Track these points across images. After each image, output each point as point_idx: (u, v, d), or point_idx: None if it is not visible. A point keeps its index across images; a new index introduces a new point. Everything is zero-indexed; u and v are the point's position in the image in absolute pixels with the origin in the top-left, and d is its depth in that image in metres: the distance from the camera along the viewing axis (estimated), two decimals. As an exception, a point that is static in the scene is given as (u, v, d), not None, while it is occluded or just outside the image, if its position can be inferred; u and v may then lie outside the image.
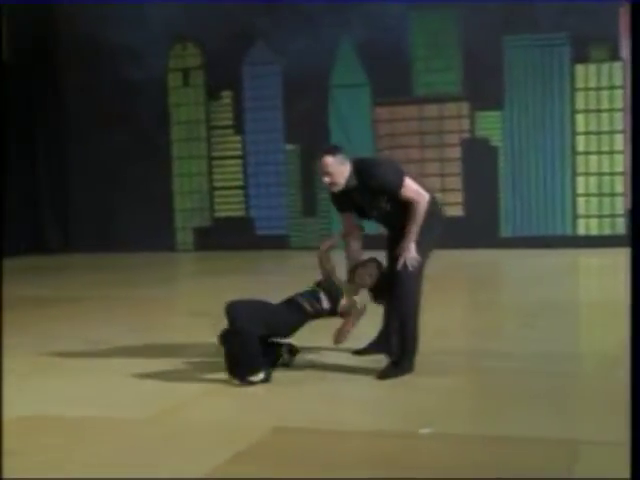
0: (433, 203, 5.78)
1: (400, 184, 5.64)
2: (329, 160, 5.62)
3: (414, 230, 5.63)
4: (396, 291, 5.66)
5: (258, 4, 15.13)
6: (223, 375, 5.68)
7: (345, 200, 5.83)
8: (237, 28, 15.24)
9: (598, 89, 13.87)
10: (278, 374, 5.77)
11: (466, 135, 14.47)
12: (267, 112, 15.61)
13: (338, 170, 5.61)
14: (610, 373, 5.64)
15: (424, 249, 5.69)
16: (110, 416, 4.95)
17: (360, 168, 5.71)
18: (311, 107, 15.07)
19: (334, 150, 5.72)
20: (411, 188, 5.65)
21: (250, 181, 15.85)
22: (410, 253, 5.61)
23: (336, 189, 5.71)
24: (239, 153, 15.89)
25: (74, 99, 16.40)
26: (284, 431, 4.57)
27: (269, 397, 5.33)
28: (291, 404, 5.22)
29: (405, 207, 5.65)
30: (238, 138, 15.86)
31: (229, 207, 16.07)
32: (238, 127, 15.82)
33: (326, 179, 5.66)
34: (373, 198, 5.71)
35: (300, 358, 6.06)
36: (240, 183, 15.95)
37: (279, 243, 15.52)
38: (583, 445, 4.17)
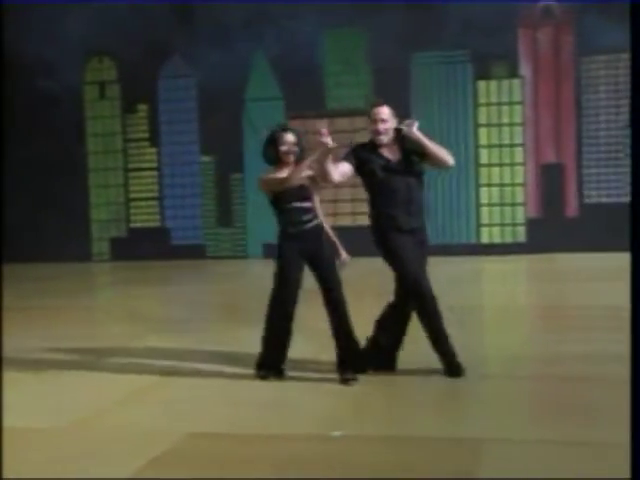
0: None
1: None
2: (387, 110, 5.69)
3: None
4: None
5: (173, 18, 15.38)
6: (140, 383, 5.80)
7: (367, 158, 5.72)
8: (153, 42, 15.44)
9: (499, 104, 14.52)
10: (198, 380, 5.89)
11: (376, 147, 14.90)
12: (182, 124, 15.83)
13: (391, 122, 5.69)
14: (513, 374, 5.89)
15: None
16: (28, 426, 4.95)
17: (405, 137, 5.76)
18: (226, 120, 15.35)
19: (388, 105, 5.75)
20: None
21: (166, 192, 16.05)
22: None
23: (383, 140, 5.69)
24: (155, 165, 16.08)
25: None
26: (200, 436, 4.62)
27: (185, 403, 5.38)
28: (208, 409, 5.25)
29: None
30: (154, 150, 16.05)
31: (145, 218, 16.21)
32: (154, 139, 16.02)
33: (381, 126, 5.65)
34: (411, 163, 5.70)
35: (225, 363, 6.25)
36: (156, 194, 16.14)
37: (195, 253, 15.74)
38: (486, 443, 4.31)
